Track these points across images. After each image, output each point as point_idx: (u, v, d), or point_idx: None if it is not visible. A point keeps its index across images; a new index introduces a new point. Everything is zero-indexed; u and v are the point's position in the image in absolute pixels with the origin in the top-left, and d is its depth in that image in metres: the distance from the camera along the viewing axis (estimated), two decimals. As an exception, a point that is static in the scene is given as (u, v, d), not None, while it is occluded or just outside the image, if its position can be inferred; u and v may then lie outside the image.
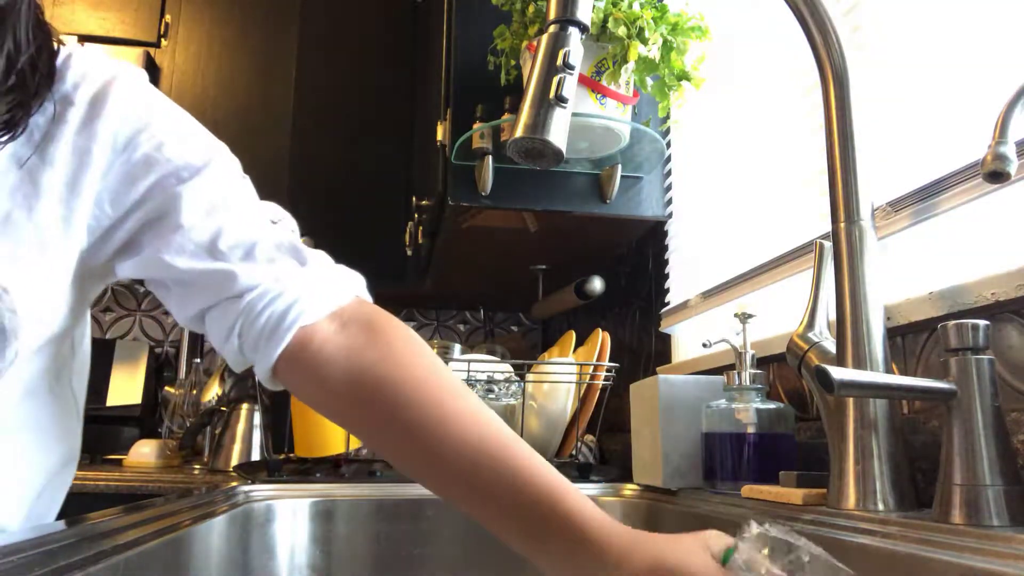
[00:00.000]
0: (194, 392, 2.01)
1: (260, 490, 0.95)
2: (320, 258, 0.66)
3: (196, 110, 2.41)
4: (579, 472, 1.16)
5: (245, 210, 0.65)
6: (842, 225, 0.68)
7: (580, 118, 1.17)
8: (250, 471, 1.16)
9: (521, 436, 0.57)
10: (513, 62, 1.31)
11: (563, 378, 1.30)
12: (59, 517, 0.76)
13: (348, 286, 0.66)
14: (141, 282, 0.69)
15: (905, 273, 0.79)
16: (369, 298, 0.68)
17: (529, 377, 1.34)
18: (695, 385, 0.93)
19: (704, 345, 0.95)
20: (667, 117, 1.31)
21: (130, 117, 0.63)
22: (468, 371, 1.27)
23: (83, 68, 0.63)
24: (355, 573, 0.96)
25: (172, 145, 0.64)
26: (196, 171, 0.63)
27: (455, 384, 0.58)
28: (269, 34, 2.24)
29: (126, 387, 2.07)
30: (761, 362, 0.94)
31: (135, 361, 2.12)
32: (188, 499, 0.79)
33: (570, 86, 0.55)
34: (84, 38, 2.20)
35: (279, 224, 0.69)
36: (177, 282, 0.63)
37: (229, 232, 0.62)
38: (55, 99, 0.61)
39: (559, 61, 0.56)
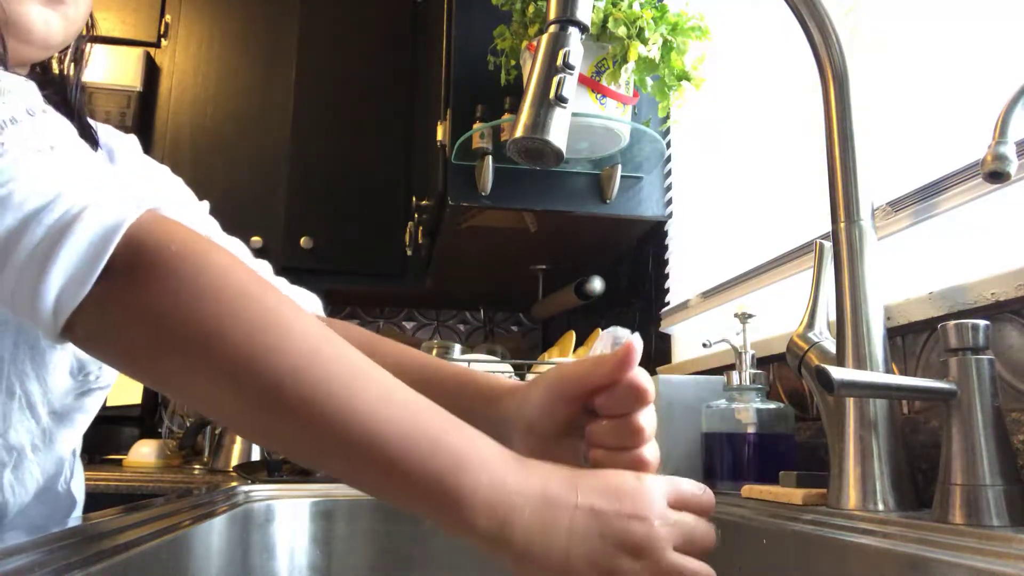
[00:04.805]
0: (194, 392, 2.01)
1: (260, 490, 0.95)
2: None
3: (196, 110, 2.40)
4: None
5: None
6: (842, 225, 0.68)
7: (580, 118, 1.17)
8: (250, 471, 1.17)
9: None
10: (513, 62, 1.31)
11: (563, 378, 1.30)
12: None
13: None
14: None
15: (905, 273, 0.79)
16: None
17: (529, 377, 1.34)
18: (695, 385, 0.93)
19: (704, 345, 0.95)
20: (667, 117, 1.31)
21: None
22: (468, 371, 1.27)
23: None
24: (355, 573, 0.96)
25: None
26: None
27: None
28: (269, 33, 2.24)
29: (126, 387, 2.07)
30: (761, 362, 0.94)
31: (135, 361, 2.12)
32: (188, 499, 0.79)
33: (570, 86, 0.55)
34: (84, 38, 2.20)
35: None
36: None
37: None
38: None
39: (559, 61, 0.56)
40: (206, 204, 0.84)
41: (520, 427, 0.51)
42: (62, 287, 0.40)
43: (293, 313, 0.42)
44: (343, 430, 0.39)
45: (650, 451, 0.46)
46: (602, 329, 1.35)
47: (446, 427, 0.40)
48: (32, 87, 0.50)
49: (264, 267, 0.81)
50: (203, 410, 0.44)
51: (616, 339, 0.50)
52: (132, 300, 0.41)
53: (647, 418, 0.46)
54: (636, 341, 0.45)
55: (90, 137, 0.70)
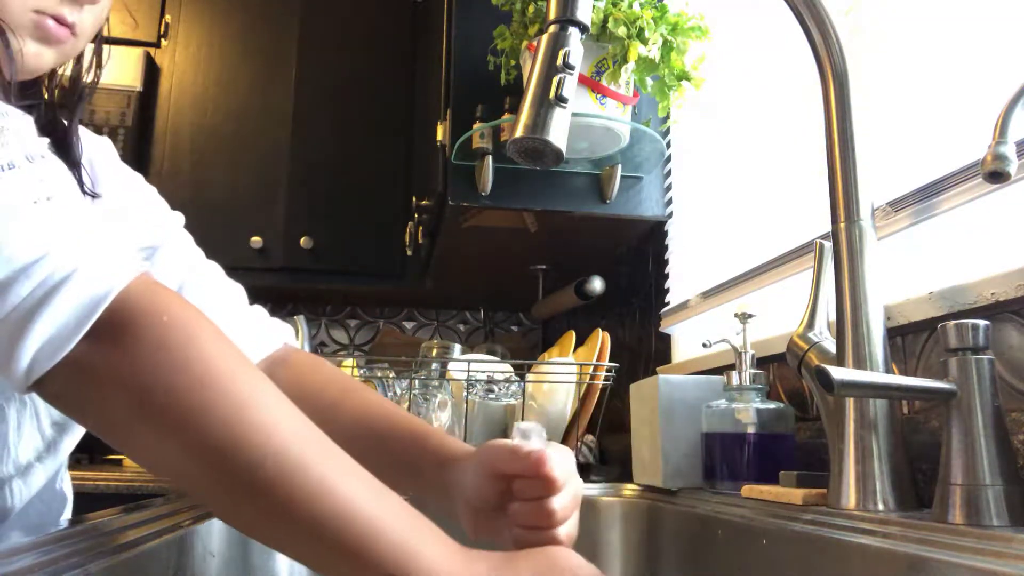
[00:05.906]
0: (194, 392, 2.01)
1: (260, 490, 0.94)
2: None
3: (196, 110, 2.40)
4: (579, 472, 1.15)
5: None
6: (842, 225, 0.68)
7: (580, 118, 1.17)
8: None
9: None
10: (513, 62, 1.31)
11: (563, 378, 1.30)
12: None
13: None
14: None
15: (905, 273, 0.79)
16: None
17: (529, 377, 1.34)
18: (695, 385, 0.93)
19: (704, 345, 0.95)
20: (667, 117, 1.31)
21: None
22: (468, 371, 1.27)
23: None
24: (355, 573, 0.95)
25: None
26: None
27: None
28: (269, 34, 2.24)
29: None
30: (761, 362, 0.94)
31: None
32: (188, 499, 0.79)
33: (570, 86, 0.55)
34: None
35: None
36: None
37: None
38: None
39: (559, 61, 0.56)
40: (180, 217, 0.81)
41: (461, 498, 0.54)
42: (40, 348, 0.40)
43: (273, 393, 0.44)
44: (312, 516, 0.40)
45: (564, 531, 0.50)
46: (602, 330, 1.35)
47: (408, 521, 0.43)
48: (30, 123, 0.49)
49: (238, 291, 0.79)
50: (172, 481, 0.44)
51: (524, 433, 0.54)
52: (115, 367, 0.41)
53: (561, 502, 0.50)
54: (561, 454, 0.52)
55: (73, 152, 0.67)
